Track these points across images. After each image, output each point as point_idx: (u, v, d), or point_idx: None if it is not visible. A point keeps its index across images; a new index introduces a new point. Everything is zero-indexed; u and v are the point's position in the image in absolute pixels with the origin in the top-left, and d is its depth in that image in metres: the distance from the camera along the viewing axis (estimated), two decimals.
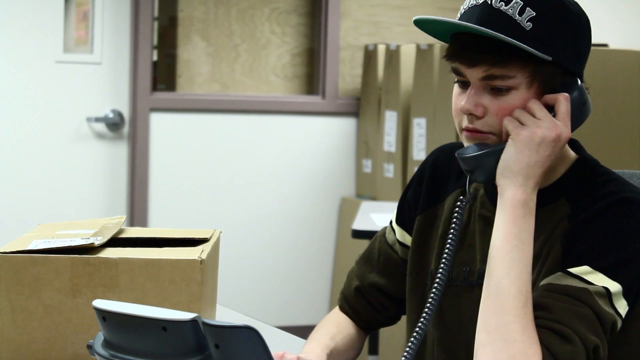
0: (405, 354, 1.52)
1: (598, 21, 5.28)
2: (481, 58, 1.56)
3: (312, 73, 5.26)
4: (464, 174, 1.63)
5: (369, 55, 5.11)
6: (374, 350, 4.04)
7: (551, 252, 1.58)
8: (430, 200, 1.79)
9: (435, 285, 1.58)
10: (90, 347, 1.28)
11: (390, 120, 4.85)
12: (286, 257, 5.09)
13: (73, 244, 1.74)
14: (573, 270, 1.52)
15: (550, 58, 1.56)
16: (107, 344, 1.25)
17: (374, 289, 1.86)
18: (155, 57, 5.00)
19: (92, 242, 1.75)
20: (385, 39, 5.28)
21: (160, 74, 5.09)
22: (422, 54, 4.62)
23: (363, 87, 5.17)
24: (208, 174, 5.00)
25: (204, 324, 1.16)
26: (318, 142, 5.16)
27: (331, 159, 5.18)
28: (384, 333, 4.38)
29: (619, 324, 1.53)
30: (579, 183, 1.62)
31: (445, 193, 1.78)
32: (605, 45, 4.67)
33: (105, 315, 1.22)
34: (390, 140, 4.85)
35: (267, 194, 5.06)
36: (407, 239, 1.83)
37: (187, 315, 1.17)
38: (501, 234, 1.54)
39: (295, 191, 5.12)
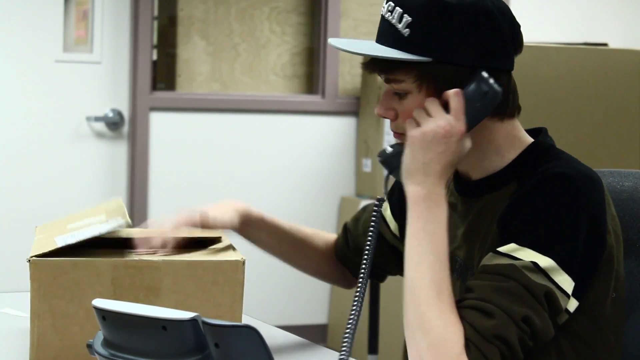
0: (342, 348, 1.56)
1: (598, 21, 5.30)
2: (372, 67, 1.65)
3: (312, 72, 5.26)
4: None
5: None
6: (373, 349, 4.04)
7: (490, 233, 1.61)
8: None
9: (359, 281, 1.63)
10: (90, 346, 1.28)
11: None
12: None
13: (104, 230, 1.71)
14: (501, 249, 1.54)
15: (429, 59, 1.59)
16: (107, 343, 1.25)
17: (351, 234, 2.01)
18: (155, 57, 5.00)
19: (120, 224, 1.73)
20: None
21: (160, 73, 5.09)
22: None
23: (363, 87, 5.17)
24: (208, 173, 5.00)
25: (204, 323, 1.16)
26: (318, 142, 5.16)
27: (331, 158, 5.18)
28: (384, 333, 4.39)
29: (561, 297, 1.52)
30: (529, 165, 1.64)
31: None
32: (605, 44, 4.67)
33: (105, 315, 1.22)
34: (390, 140, 4.85)
35: (266, 193, 5.06)
36: (387, 214, 1.94)
37: (186, 315, 1.17)
38: (409, 232, 1.58)
39: (295, 190, 5.12)
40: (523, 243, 1.53)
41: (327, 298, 5.19)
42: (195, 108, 4.97)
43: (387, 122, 4.57)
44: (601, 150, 4.11)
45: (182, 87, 5.09)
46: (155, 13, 4.97)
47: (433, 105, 1.59)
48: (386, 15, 1.63)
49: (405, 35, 1.60)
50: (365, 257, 1.65)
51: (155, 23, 4.98)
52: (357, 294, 1.62)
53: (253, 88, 5.16)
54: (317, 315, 5.18)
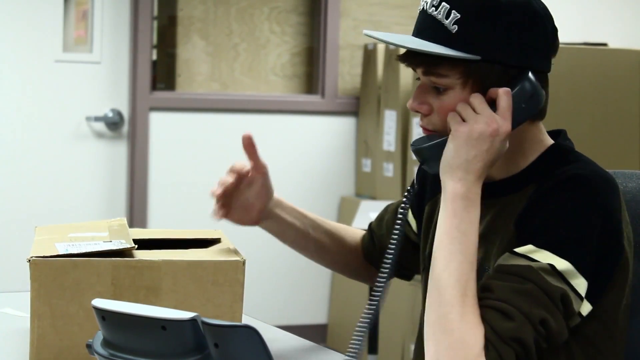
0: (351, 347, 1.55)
1: (598, 21, 5.30)
2: (416, 62, 1.63)
3: (312, 72, 5.26)
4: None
5: (369, 55, 5.11)
6: (373, 349, 4.04)
7: (506, 233, 1.61)
8: (435, 189, 1.83)
9: (379, 279, 1.62)
10: (89, 346, 1.28)
11: (390, 119, 4.85)
12: (286, 256, 5.07)
13: (107, 248, 1.71)
14: (519, 249, 1.55)
15: (478, 57, 1.58)
16: (106, 343, 1.25)
17: (375, 234, 2.02)
18: (154, 56, 5.00)
19: (127, 246, 1.72)
20: None
21: (160, 73, 5.08)
22: None
23: (362, 87, 5.17)
24: (207, 173, 4.99)
25: (204, 323, 1.16)
26: (317, 142, 5.16)
27: (330, 158, 5.18)
28: (384, 333, 4.38)
29: (574, 299, 1.53)
30: (549, 167, 1.64)
31: None
32: (605, 44, 4.67)
33: (105, 315, 1.22)
34: (389, 140, 4.85)
35: None
36: (408, 215, 1.92)
37: (186, 315, 1.17)
38: (442, 228, 1.57)
39: (295, 190, 5.12)
40: (540, 244, 1.54)
41: (327, 298, 5.18)
42: (195, 108, 4.97)
43: (386, 122, 4.55)
44: (601, 150, 4.11)
45: (181, 87, 5.08)
46: (155, 13, 4.97)
47: (480, 101, 1.58)
48: (429, 10, 1.61)
49: (453, 31, 1.58)
50: (389, 256, 1.63)
51: (155, 23, 4.98)
52: (376, 294, 1.60)
53: (253, 88, 5.16)
54: (317, 315, 5.18)
